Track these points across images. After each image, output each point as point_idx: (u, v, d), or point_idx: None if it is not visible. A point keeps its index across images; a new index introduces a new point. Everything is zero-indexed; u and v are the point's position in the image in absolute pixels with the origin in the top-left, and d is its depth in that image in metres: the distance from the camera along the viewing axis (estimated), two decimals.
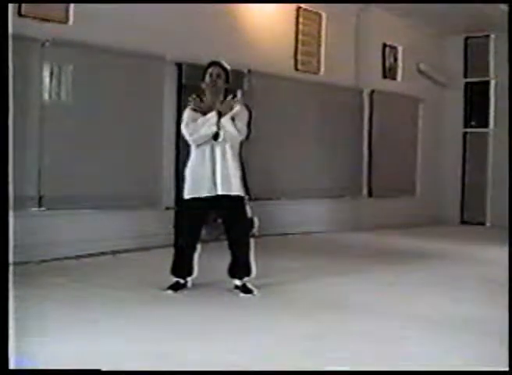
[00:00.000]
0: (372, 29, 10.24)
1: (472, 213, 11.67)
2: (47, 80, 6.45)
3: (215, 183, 5.00)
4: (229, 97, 5.12)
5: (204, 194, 5.02)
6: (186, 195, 5.09)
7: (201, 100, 5.11)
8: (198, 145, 5.04)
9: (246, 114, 5.10)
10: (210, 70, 5.11)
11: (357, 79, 10.18)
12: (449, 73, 11.67)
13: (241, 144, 5.14)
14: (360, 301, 5.07)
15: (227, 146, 5.04)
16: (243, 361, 3.44)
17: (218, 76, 5.09)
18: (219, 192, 5.00)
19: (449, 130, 11.76)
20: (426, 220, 10.93)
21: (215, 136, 5.01)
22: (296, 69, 9.29)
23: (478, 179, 11.61)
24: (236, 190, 5.05)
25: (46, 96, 6.48)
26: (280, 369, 3.30)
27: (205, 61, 5.32)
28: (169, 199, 7.33)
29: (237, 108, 5.07)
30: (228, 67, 5.18)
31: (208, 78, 5.10)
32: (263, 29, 8.76)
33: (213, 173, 5.00)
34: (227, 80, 5.15)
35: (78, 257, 6.46)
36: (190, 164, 5.12)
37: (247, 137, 5.13)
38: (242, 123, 5.05)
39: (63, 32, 6.52)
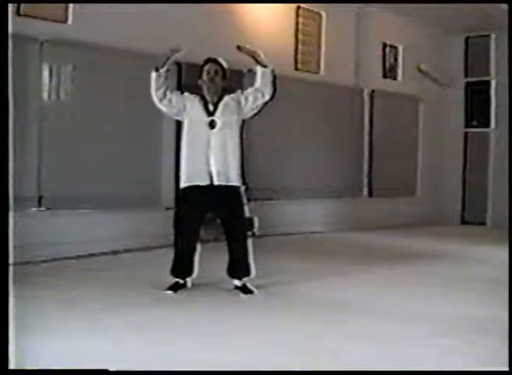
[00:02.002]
0: (372, 28, 10.24)
1: (473, 213, 11.65)
2: (46, 79, 6.45)
3: (210, 174, 4.94)
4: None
5: (199, 183, 4.95)
6: (183, 183, 5.03)
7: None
8: (190, 135, 4.99)
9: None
10: (207, 67, 5.04)
11: (358, 78, 10.17)
12: (449, 73, 11.65)
13: (242, 130, 5.07)
14: (360, 301, 5.07)
15: (227, 134, 4.97)
16: (243, 361, 3.44)
17: (216, 73, 5.03)
18: (215, 183, 4.94)
19: (450, 130, 11.73)
20: (427, 220, 10.92)
21: (211, 125, 4.98)
22: (296, 68, 9.28)
23: (478, 179, 11.58)
24: (234, 181, 5.01)
25: (45, 96, 6.48)
26: (280, 370, 3.29)
27: None
28: (169, 199, 7.32)
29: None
30: (225, 64, 5.10)
31: (205, 75, 5.04)
32: (263, 28, 8.75)
33: (208, 163, 4.92)
34: (224, 77, 5.08)
35: (78, 257, 6.47)
36: (183, 155, 5.03)
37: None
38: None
39: (62, 31, 6.52)
